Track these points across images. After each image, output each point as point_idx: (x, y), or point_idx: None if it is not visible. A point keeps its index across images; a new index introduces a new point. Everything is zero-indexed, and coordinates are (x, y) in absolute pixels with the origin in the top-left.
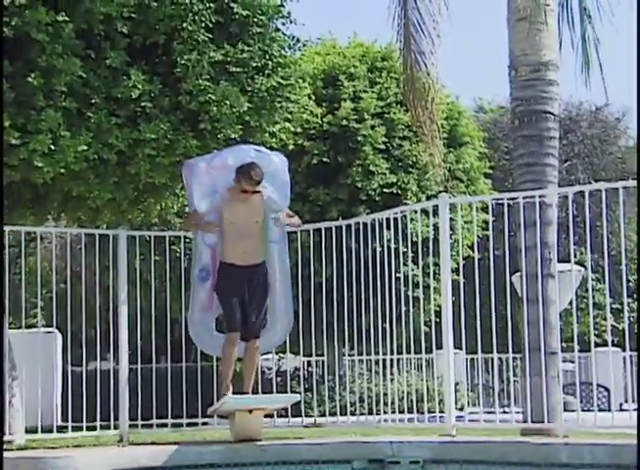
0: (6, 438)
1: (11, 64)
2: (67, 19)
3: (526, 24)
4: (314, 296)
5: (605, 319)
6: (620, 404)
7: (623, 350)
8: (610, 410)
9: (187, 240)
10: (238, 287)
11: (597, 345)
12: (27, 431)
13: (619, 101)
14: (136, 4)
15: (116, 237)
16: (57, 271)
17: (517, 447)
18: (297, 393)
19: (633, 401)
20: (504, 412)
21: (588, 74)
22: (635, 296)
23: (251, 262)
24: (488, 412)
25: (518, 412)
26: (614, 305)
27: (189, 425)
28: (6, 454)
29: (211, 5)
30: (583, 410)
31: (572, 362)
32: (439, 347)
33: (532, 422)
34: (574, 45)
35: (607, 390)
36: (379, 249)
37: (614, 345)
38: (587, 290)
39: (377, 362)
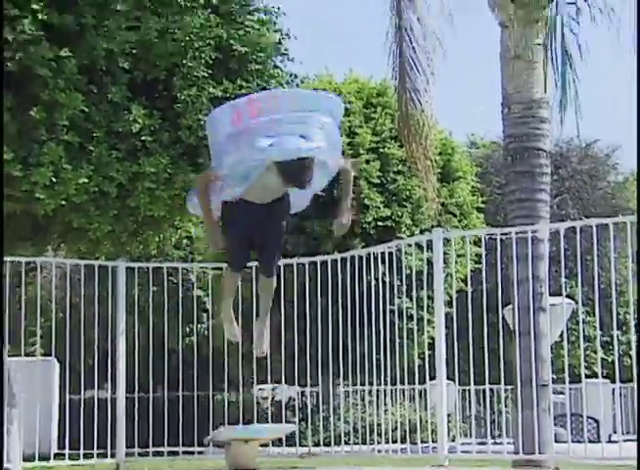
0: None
1: (14, 97)
2: (70, 54)
3: (520, 63)
4: (309, 327)
5: (595, 352)
6: (609, 436)
7: (613, 381)
8: (599, 442)
9: (184, 271)
10: (249, 223)
11: (587, 376)
12: (25, 459)
13: (609, 137)
14: (138, 40)
15: (115, 268)
16: (56, 301)
17: None
18: (291, 422)
19: (622, 433)
20: (495, 443)
21: (564, 111)
22: (624, 329)
23: (269, 200)
24: (480, 443)
25: (509, 443)
26: (603, 338)
27: (185, 453)
28: None
29: (211, 42)
30: (573, 442)
31: (563, 394)
32: (432, 378)
33: (524, 453)
34: (563, 84)
35: (596, 421)
36: (373, 282)
37: (603, 377)
38: (577, 322)
39: (370, 393)
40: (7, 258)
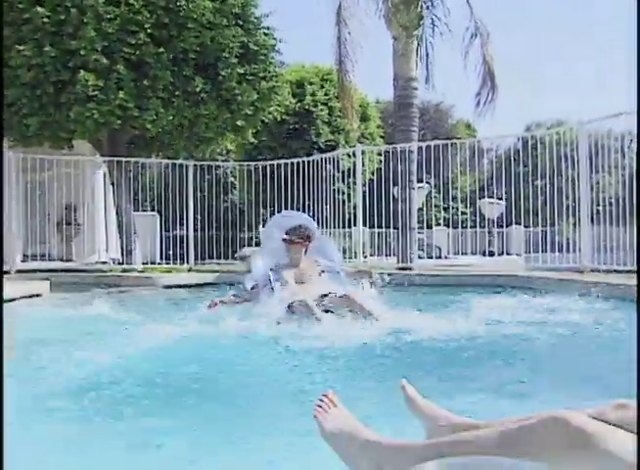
0: (131, 266)
1: (135, 73)
2: (163, 51)
3: (403, 58)
4: (290, 199)
5: (439, 212)
6: (445, 256)
7: (448, 227)
8: (441, 258)
9: (224, 167)
10: None
11: (435, 225)
12: (143, 263)
13: (450, 100)
14: (199, 44)
15: (187, 166)
16: (157, 183)
17: (393, 276)
18: None
19: (453, 254)
20: (387, 258)
21: (428, 84)
22: (454, 200)
23: None
24: (379, 258)
25: (395, 257)
26: (443, 205)
27: (225, 263)
28: (130, 274)
29: (238, 44)
30: (428, 258)
31: (422, 233)
32: (355, 224)
33: (402, 263)
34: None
35: (439, 248)
36: (324, 174)
37: (443, 225)
38: (430, 197)
39: (323, 233)
40: (132, 159)
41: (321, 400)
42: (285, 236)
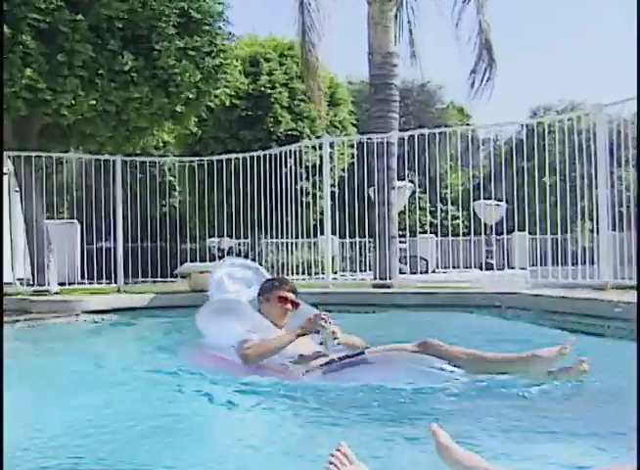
0: (45, 288)
1: (46, 47)
2: (82, 18)
3: (379, 27)
4: (243, 201)
5: (425, 217)
6: (433, 270)
7: (436, 235)
8: (427, 273)
9: (160, 163)
10: None
11: (420, 233)
12: (60, 284)
13: (437, 80)
14: (128, 9)
15: (115, 161)
16: (76, 183)
17: (369, 295)
18: None
19: (441, 268)
20: (361, 272)
21: (414, 61)
22: (444, 202)
23: None
24: (352, 273)
25: (370, 273)
26: (431, 208)
27: (162, 282)
28: (44, 298)
29: (176, 11)
30: (411, 273)
31: (404, 243)
32: (322, 233)
33: (380, 279)
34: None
35: (425, 260)
36: (285, 170)
37: (430, 233)
38: (415, 198)
39: (282, 244)
40: (45, 154)
41: (333, 455)
42: (280, 293)
